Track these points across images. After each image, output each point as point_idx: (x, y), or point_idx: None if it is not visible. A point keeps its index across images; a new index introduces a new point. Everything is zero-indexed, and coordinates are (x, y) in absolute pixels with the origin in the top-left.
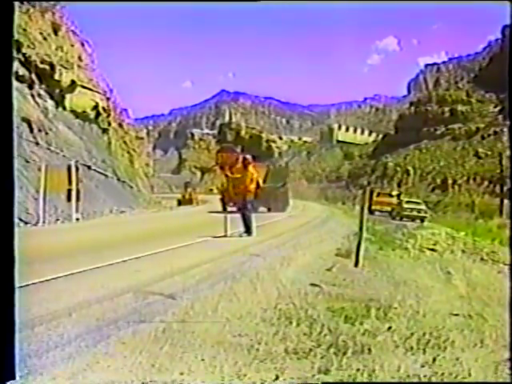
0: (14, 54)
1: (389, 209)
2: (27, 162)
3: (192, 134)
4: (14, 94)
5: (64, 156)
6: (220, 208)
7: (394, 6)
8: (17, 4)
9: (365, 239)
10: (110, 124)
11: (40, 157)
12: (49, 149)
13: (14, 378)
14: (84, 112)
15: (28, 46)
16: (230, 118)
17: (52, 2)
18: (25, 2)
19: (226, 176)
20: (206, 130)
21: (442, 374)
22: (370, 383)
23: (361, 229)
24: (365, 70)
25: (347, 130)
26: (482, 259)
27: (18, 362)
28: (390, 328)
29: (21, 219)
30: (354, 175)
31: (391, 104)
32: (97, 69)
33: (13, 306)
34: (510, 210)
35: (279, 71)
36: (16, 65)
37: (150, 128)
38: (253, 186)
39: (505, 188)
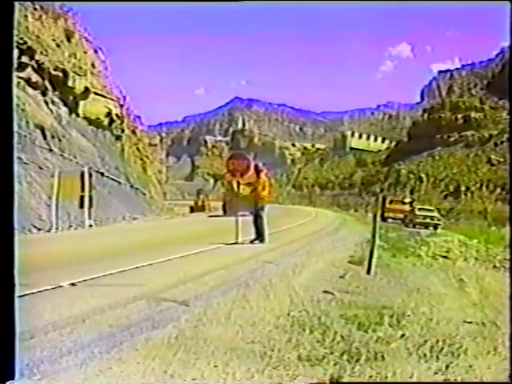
0: (27, 61)
1: (402, 216)
2: (40, 168)
3: (205, 141)
4: (28, 100)
5: (77, 163)
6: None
7: (407, 12)
8: (30, 6)
9: (378, 246)
10: (123, 131)
11: (53, 163)
12: (62, 155)
13: (13, 378)
14: (97, 119)
15: (41, 53)
16: (243, 125)
17: (65, 9)
18: (38, 9)
19: (237, 182)
20: (219, 137)
21: (455, 381)
22: (377, 383)
23: (373, 236)
24: (378, 76)
25: (360, 137)
26: (494, 267)
27: (27, 366)
28: (403, 335)
29: (34, 225)
30: (367, 182)
31: (404, 111)
32: (110, 76)
33: (13, 307)
34: (510, 215)
35: (292, 78)
36: (29, 71)
37: (163, 135)
38: (265, 193)
39: None
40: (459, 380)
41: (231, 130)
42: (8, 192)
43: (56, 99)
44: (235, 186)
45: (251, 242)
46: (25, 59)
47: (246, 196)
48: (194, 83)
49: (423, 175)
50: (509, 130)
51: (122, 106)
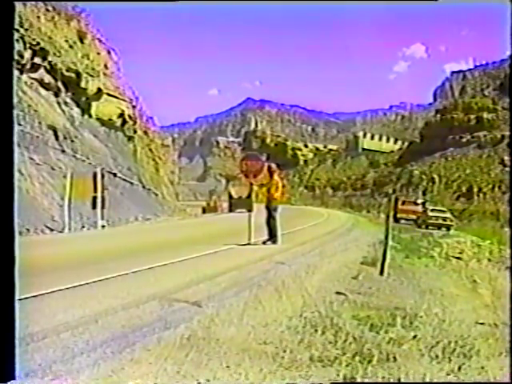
0: (40, 62)
1: (414, 217)
2: (53, 169)
3: (217, 142)
4: (41, 101)
5: (90, 163)
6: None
7: (422, 12)
8: (42, 7)
9: (390, 247)
10: (135, 132)
11: (66, 164)
12: (74, 156)
13: (13, 377)
14: (110, 120)
15: (54, 54)
16: (256, 125)
17: (78, 10)
18: (50, 10)
19: (251, 184)
20: (232, 138)
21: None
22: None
23: (386, 237)
24: (391, 77)
25: (372, 137)
26: (507, 268)
27: (37, 365)
28: (415, 336)
29: (46, 226)
30: (380, 183)
31: (417, 112)
32: (123, 77)
33: (13, 308)
34: (510, 215)
35: (305, 79)
36: (42, 72)
37: (176, 136)
38: (278, 194)
39: None
40: (471, 381)
41: (243, 131)
42: (8, 193)
43: (68, 100)
44: (232, 191)
45: (264, 242)
46: (37, 60)
47: (244, 198)
48: (207, 84)
49: (436, 176)
50: (509, 129)
51: (134, 106)
